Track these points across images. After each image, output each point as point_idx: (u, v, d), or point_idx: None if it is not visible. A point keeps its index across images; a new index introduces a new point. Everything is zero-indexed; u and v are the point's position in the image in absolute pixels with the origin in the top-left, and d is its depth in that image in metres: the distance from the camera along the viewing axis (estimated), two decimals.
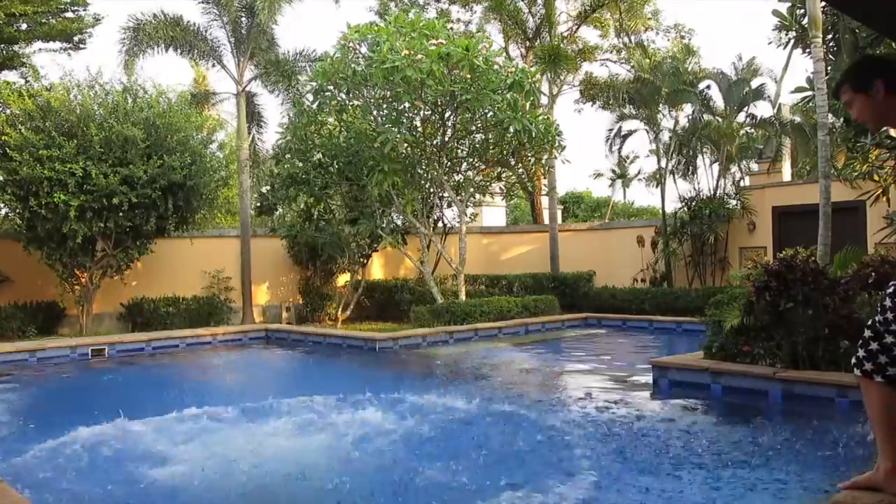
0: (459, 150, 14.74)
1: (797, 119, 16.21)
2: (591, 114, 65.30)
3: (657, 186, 24.03)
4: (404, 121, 13.46)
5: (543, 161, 15.26)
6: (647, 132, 17.52)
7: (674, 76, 16.00)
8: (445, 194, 14.97)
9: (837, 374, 6.49)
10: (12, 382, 9.52)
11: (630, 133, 18.84)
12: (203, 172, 13.13)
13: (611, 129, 19.00)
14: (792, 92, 13.01)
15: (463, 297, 14.15)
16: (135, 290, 14.24)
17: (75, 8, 16.17)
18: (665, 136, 17.03)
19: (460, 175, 15.09)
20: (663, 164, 16.80)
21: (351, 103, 13.65)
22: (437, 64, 11.63)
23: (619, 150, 20.00)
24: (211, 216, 15.29)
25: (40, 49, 16.61)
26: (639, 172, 32.09)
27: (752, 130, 17.57)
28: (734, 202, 15.76)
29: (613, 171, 32.33)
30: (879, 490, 2.90)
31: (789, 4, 10.21)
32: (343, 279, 16.09)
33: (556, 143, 13.91)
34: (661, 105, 16.54)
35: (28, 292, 13.23)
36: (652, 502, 4.33)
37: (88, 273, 12.87)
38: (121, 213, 12.09)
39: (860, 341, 2.73)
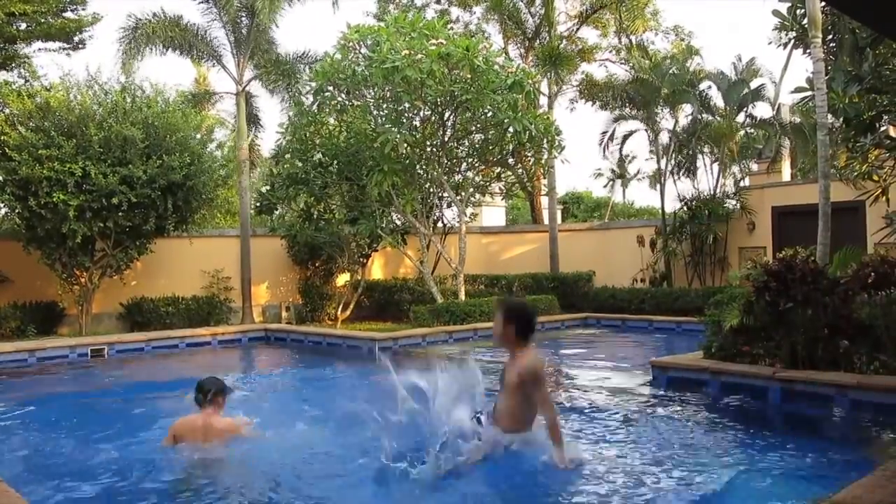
0: (459, 150, 14.73)
1: (797, 119, 16.20)
2: (589, 114, 65.34)
3: (652, 186, 24.04)
4: (404, 121, 13.45)
5: (543, 161, 15.25)
6: (647, 132, 17.51)
7: (674, 76, 15.99)
8: (445, 194, 14.96)
9: (837, 374, 6.50)
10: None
11: (630, 133, 18.83)
12: (202, 172, 13.13)
13: (605, 132, 18.99)
14: (792, 92, 13.01)
15: (462, 296, 14.15)
16: (134, 290, 14.23)
17: (74, 7, 16.17)
18: (664, 137, 17.03)
19: (460, 175, 15.08)
20: (663, 164, 16.80)
21: (351, 103, 13.64)
22: (437, 64, 11.63)
23: (621, 149, 20.00)
24: (210, 216, 15.28)
25: (40, 49, 16.61)
26: (638, 172, 32.07)
27: (752, 130, 17.55)
28: (733, 202, 15.77)
29: (613, 172, 32.31)
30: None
31: (789, 4, 10.19)
32: (343, 279, 16.09)
33: (556, 143, 13.91)
34: (660, 105, 16.53)
35: (27, 292, 13.21)
36: (651, 500, 4.33)
37: (88, 273, 12.86)
38: (120, 213, 12.08)
39: None
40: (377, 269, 17.81)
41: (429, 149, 13.96)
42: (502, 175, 16.36)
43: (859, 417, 6.08)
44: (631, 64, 19.36)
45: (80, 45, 16.60)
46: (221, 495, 4.53)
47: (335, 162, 13.88)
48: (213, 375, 5.56)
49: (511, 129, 12.87)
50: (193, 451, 5.03)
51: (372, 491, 4.48)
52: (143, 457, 5.23)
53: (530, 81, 13.45)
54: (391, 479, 4.33)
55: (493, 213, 29.89)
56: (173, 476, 4.86)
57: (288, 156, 14.40)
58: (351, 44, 12.91)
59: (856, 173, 9.42)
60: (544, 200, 21.58)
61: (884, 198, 9.10)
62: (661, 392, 7.55)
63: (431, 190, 14.87)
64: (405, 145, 13.50)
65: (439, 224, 16.69)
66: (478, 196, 16.81)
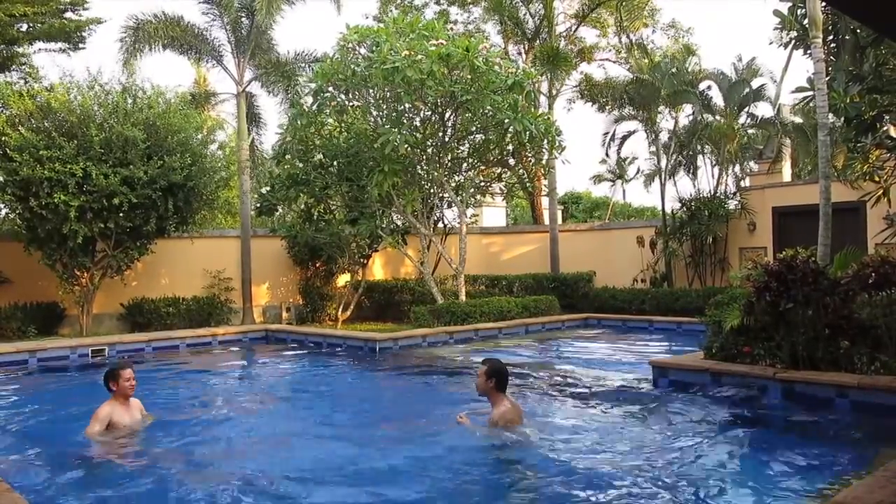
0: (459, 151, 14.73)
1: (798, 119, 16.20)
2: (588, 114, 65.35)
3: (649, 184, 24.02)
4: (404, 121, 13.45)
5: (543, 161, 15.25)
6: (647, 132, 17.50)
7: (674, 77, 15.98)
8: (446, 195, 14.97)
9: (837, 375, 6.50)
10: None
11: (629, 133, 18.83)
12: (203, 173, 13.13)
13: (607, 133, 18.97)
14: (792, 92, 12.98)
15: (463, 297, 14.14)
16: (135, 291, 14.24)
17: (76, 8, 16.20)
18: (664, 137, 17.02)
19: (460, 175, 15.09)
20: (663, 164, 16.79)
21: (351, 104, 13.64)
22: (437, 64, 11.62)
23: (619, 150, 19.98)
24: (211, 217, 15.29)
25: (40, 49, 16.64)
26: (638, 171, 32.00)
27: (753, 131, 17.53)
28: (733, 202, 15.77)
29: (612, 173, 32.27)
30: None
31: (790, 4, 10.18)
32: (343, 279, 16.09)
33: (556, 144, 13.90)
34: (660, 105, 16.52)
35: (28, 293, 13.22)
36: (651, 499, 4.33)
37: (88, 273, 12.86)
38: (121, 214, 12.09)
39: None
40: (378, 270, 17.81)
41: (429, 149, 13.96)
42: (503, 175, 16.37)
43: (859, 418, 6.08)
44: (630, 64, 19.34)
45: (80, 46, 16.64)
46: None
47: (335, 162, 13.88)
48: (108, 367, 6.07)
49: (511, 130, 12.87)
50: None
51: None
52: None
53: (530, 81, 13.45)
54: None
55: (494, 213, 29.88)
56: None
57: (288, 156, 14.41)
58: (350, 45, 12.92)
59: (856, 174, 9.42)
60: (545, 201, 21.58)
61: (885, 198, 9.09)
62: (662, 392, 7.54)
63: (432, 190, 14.87)
64: (405, 146, 13.49)
65: (440, 224, 16.69)
66: (478, 196, 16.81)
